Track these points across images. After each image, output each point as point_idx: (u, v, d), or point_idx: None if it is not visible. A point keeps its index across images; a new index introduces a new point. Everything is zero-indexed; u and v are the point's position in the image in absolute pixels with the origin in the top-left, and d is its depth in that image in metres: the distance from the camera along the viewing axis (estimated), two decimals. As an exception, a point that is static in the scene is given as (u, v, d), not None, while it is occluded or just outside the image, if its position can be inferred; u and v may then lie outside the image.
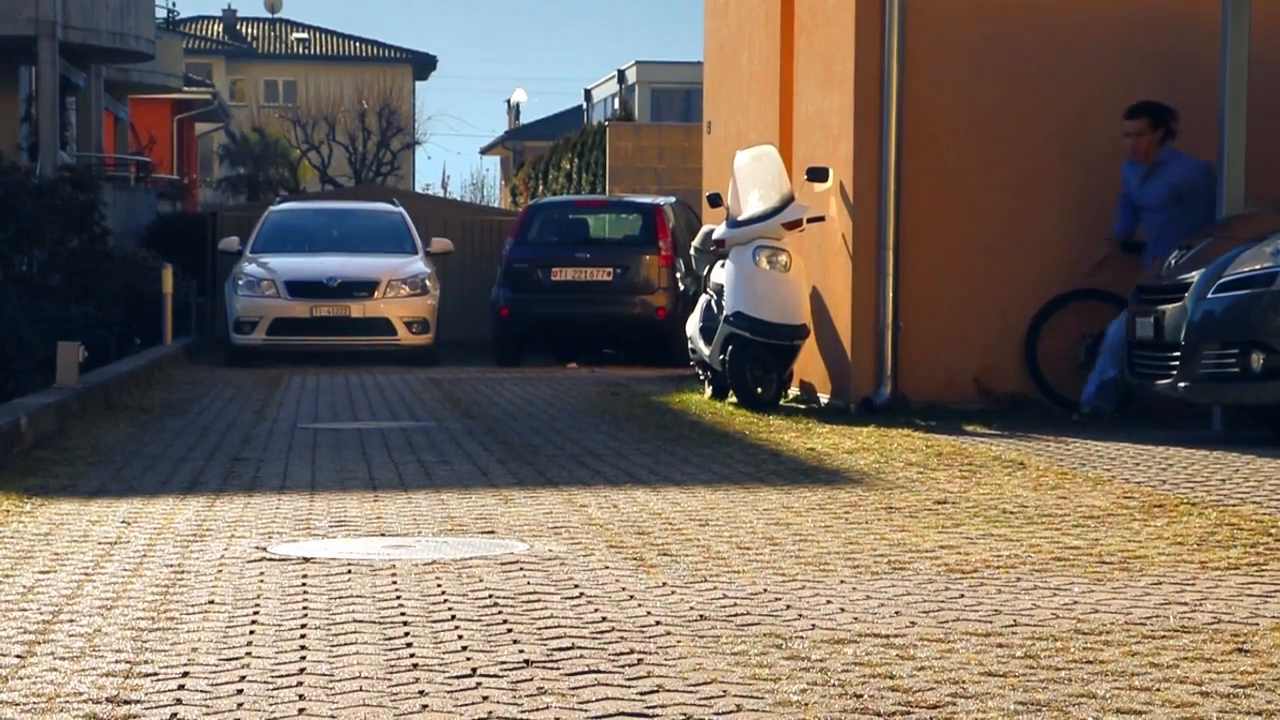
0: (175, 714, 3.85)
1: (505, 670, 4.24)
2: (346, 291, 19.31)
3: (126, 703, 3.95)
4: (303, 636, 4.66)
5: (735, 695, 3.97)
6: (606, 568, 5.74)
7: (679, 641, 4.57)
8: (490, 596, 5.21)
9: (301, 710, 3.87)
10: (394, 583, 5.47)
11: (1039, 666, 4.26)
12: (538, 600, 5.15)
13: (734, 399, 12.37)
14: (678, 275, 18.78)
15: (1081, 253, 11.78)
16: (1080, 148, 11.89)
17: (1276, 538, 6.32)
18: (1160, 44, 11.84)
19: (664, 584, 5.43)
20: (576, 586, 5.38)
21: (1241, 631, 4.69)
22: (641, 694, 3.98)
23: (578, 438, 10.38)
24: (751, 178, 12.51)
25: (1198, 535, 6.40)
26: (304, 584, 5.46)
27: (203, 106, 45.90)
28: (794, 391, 12.93)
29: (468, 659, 4.37)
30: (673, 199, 21.83)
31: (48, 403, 10.50)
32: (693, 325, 13.23)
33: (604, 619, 4.87)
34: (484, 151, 67.91)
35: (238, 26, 68.09)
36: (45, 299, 19.47)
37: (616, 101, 54.37)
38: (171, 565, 5.84)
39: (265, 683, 4.12)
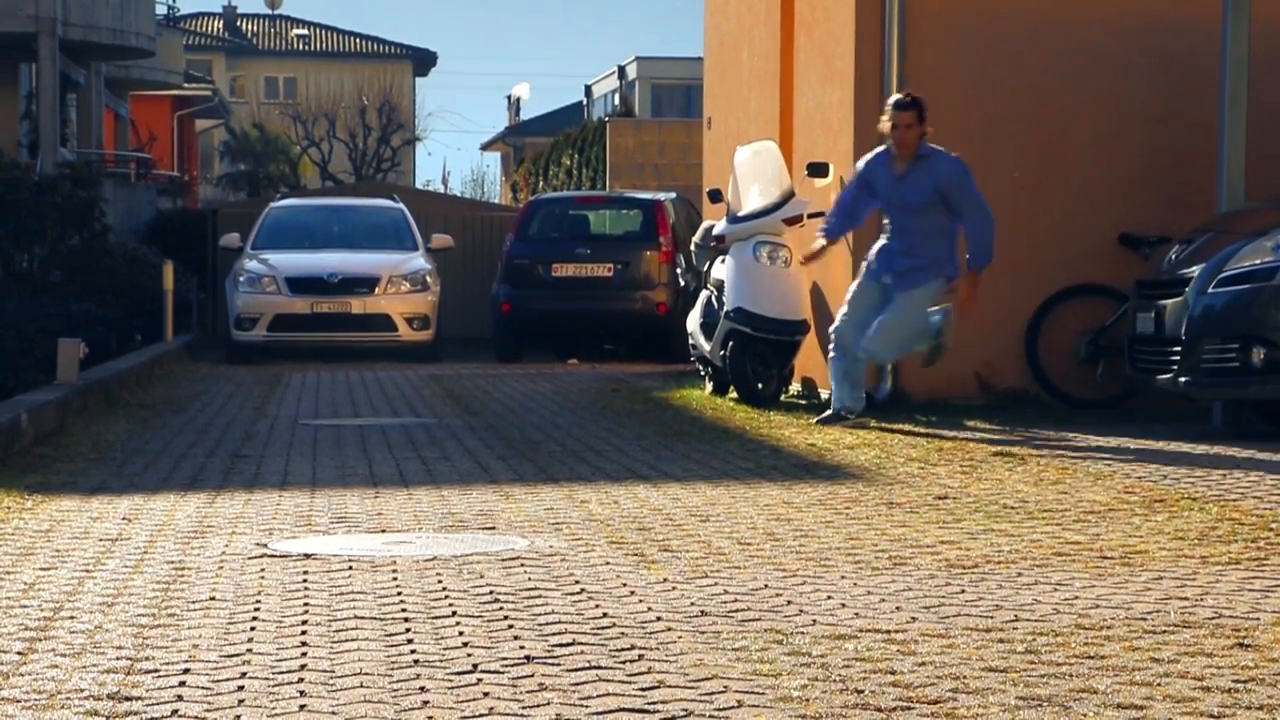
0: (176, 710, 3.85)
1: (506, 666, 4.24)
2: (347, 288, 19.31)
3: (128, 699, 3.95)
4: (304, 633, 4.66)
5: (736, 691, 3.97)
6: (607, 563, 5.74)
7: (680, 637, 4.56)
8: (491, 592, 5.21)
9: (303, 706, 3.87)
10: (395, 579, 5.47)
11: (1040, 662, 4.26)
12: (539, 596, 5.15)
13: (735, 395, 12.36)
14: (678, 271, 18.78)
15: (1081, 247, 11.79)
16: (1080, 143, 11.89)
17: (1277, 533, 6.32)
18: (1160, 42, 11.84)
19: (665, 580, 5.43)
20: (577, 582, 5.38)
21: (1242, 626, 4.69)
22: (642, 690, 3.98)
23: (578, 434, 10.38)
24: (752, 173, 12.51)
25: (1198, 530, 6.40)
26: (305, 580, 5.46)
27: (203, 103, 45.90)
28: (795, 387, 12.93)
29: (469, 655, 4.37)
30: (673, 195, 21.83)
31: (48, 399, 10.50)
32: (693, 321, 13.23)
33: (605, 615, 4.87)
34: (484, 148, 67.93)
35: (238, 23, 68.07)
36: (46, 296, 19.48)
37: (617, 97, 54.37)
38: (172, 562, 5.84)
39: (266, 679, 4.12)
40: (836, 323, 10.74)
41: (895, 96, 10.62)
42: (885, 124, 10.54)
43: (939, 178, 10.43)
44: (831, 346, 10.72)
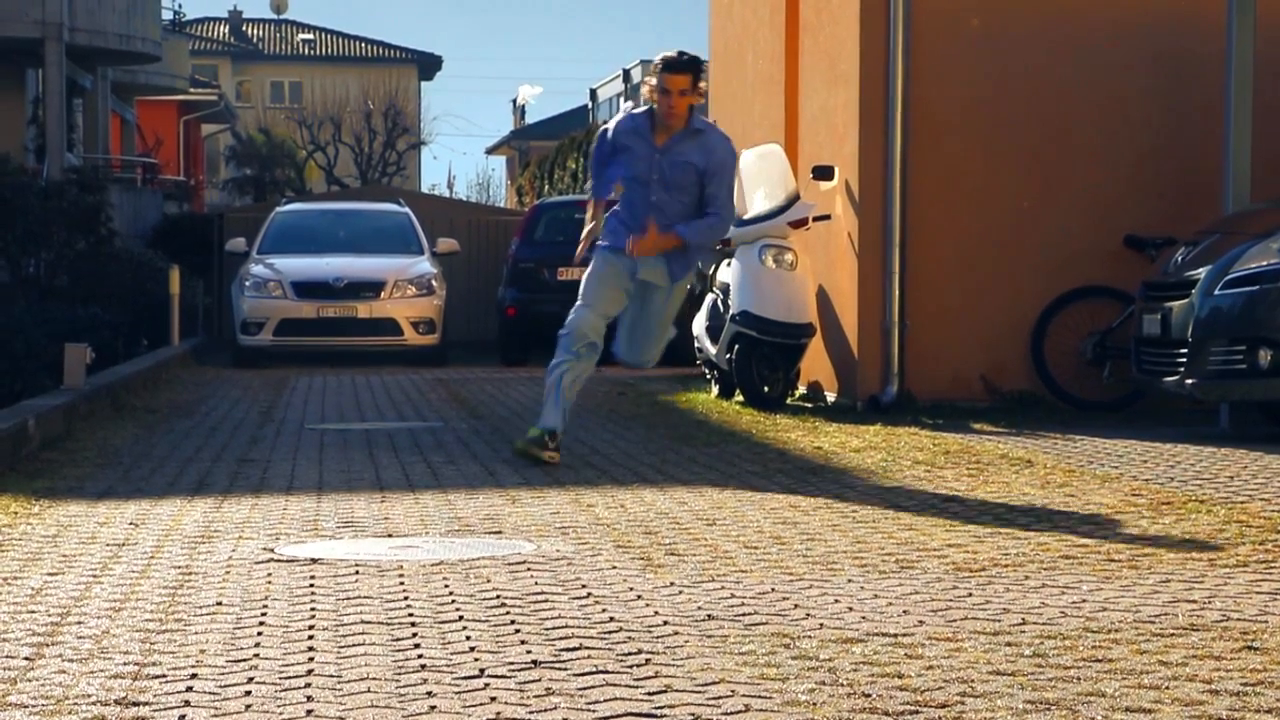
0: (184, 716, 3.85)
1: (513, 671, 4.23)
2: (353, 292, 19.33)
3: (135, 704, 3.95)
4: (310, 638, 4.65)
5: (743, 695, 3.97)
6: (614, 568, 5.73)
7: (686, 641, 4.56)
8: (498, 597, 5.21)
9: (310, 711, 3.87)
10: (401, 583, 5.47)
11: (1047, 665, 4.25)
12: (545, 601, 5.15)
13: (741, 398, 12.36)
14: (684, 274, 18.79)
15: (1087, 249, 11.79)
16: (1085, 145, 11.89)
17: (1285, 535, 6.31)
18: (1165, 42, 11.83)
19: (671, 584, 5.42)
20: (584, 587, 5.38)
21: (1250, 629, 4.68)
22: (649, 694, 3.98)
23: (584, 437, 10.38)
24: (757, 176, 12.52)
25: (1206, 533, 6.39)
26: (311, 585, 5.46)
27: (209, 107, 45.96)
28: (801, 390, 12.92)
29: (475, 660, 4.36)
30: (678, 198, 21.79)
31: (55, 404, 10.50)
32: (699, 324, 13.24)
33: (611, 619, 4.86)
34: (489, 151, 68.01)
35: (243, 28, 68.15)
36: (52, 300, 19.51)
37: (622, 100, 54.37)
38: (179, 567, 5.84)
39: (273, 684, 4.12)
40: (576, 317, 8.99)
41: (666, 54, 8.74)
42: (651, 87, 8.77)
43: (711, 157, 8.77)
44: (566, 349, 9.03)
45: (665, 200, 8.83)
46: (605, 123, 8.96)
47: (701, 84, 8.73)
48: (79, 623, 4.90)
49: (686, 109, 8.75)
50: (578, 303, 8.99)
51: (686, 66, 8.69)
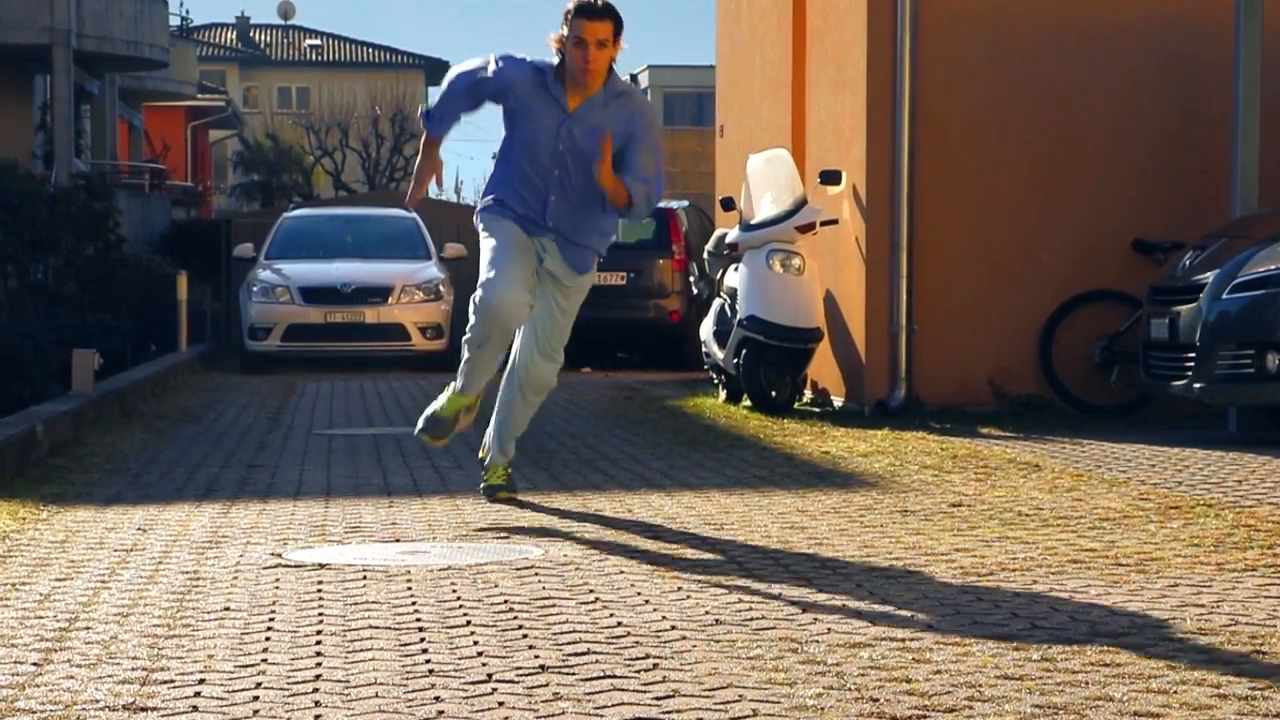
0: (191, 721, 3.86)
1: (521, 676, 4.24)
2: (360, 297, 19.34)
3: (143, 710, 3.95)
4: (318, 643, 4.66)
5: (751, 700, 3.96)
6: (621, 572, 5.73)
7: (694, 646, 4.56)
8: (505, 602, 5.21)
9: (317, 717, 3.87)
10: (409, 588, 5.47)
11: (1055, 669, 4.25)
12: (553, 605, 5.15)
13: (748, 402, 12.36)
14: (691, 279, 18.79)
15: (1095, 253, 11.78)
16: (1093, 149, 11.88)
17: (1293, 539, 6.30)
18: (1172, 45, 11.83)
19: (679, 588, 5.42)
20: (591, 592, 5.38)
21: (1259, 633, 4.67)
22: (657, 699, 3.98)
23: (592, 442, 10.38)
24: (764, 181, 12.52)
25: (1214, 537, 6.38)
26: (319, 590, 5.46)
27: (216, 113, 46.02)
28: (808, 395, 12.92)
29: (483, 665, 4.36)
30: (686, 203, 21.84)
31: (63, 410, 10.52)
32: (706, 329, 13.24)
33: (619, 624, 4.86)
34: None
35: (251, 33, 68.19)
36: (60, 306, 19.54)
37: (629, 105, 54.29)
38: (187, 572, 5.84)
39: (281, 689, 4.13)
40: (488, 294, 7.15)
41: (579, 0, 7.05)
42: (560, 38, 7.11)
43: (638, 121, 7.17)
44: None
45: (569, 175, 7.19)
46: (497, 59, 7.27)
47: (621, 39, 7.08)
48: (87, 628, 4.90)
49: (607, 65, 7.09)
50: (486, 276, 7.14)
51: (607, 12, 7.03)
